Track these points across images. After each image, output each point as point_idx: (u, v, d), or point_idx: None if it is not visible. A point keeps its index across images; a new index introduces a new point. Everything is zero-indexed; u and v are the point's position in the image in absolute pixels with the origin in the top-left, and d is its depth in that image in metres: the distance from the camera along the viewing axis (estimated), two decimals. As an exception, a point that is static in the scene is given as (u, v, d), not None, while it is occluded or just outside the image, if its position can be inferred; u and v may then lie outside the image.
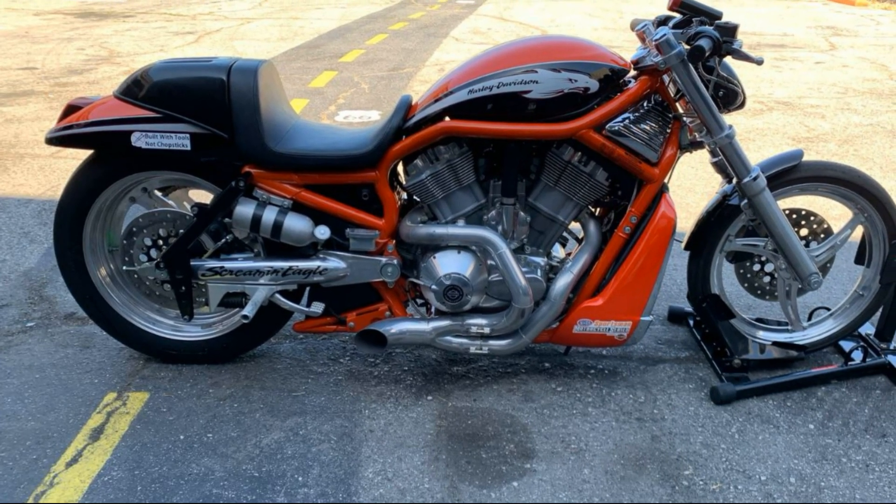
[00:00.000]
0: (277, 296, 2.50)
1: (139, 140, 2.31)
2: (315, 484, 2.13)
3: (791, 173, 2.52)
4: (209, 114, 2.30)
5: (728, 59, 2.39)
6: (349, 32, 9.77)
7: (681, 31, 2.32)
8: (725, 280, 2.76)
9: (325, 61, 7.85)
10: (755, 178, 2.39)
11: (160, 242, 2.51)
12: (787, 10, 12.30)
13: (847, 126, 5.72)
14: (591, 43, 2.34)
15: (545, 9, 12.23)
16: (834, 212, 3.85)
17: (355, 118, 5.75)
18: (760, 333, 2.75)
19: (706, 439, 2.33)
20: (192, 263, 2.44)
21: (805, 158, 2.54)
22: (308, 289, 2.56)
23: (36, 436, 2.30)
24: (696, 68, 2.28)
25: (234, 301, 2.50)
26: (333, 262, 2.44)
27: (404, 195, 2.57)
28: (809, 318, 2.80)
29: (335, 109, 5.99)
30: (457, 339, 2.50)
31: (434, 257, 2.42)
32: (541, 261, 2.46)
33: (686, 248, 2.66)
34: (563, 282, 2.42)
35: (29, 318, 2.97)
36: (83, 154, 2.47)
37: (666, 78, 2.34)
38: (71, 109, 2.41)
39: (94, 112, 2.35)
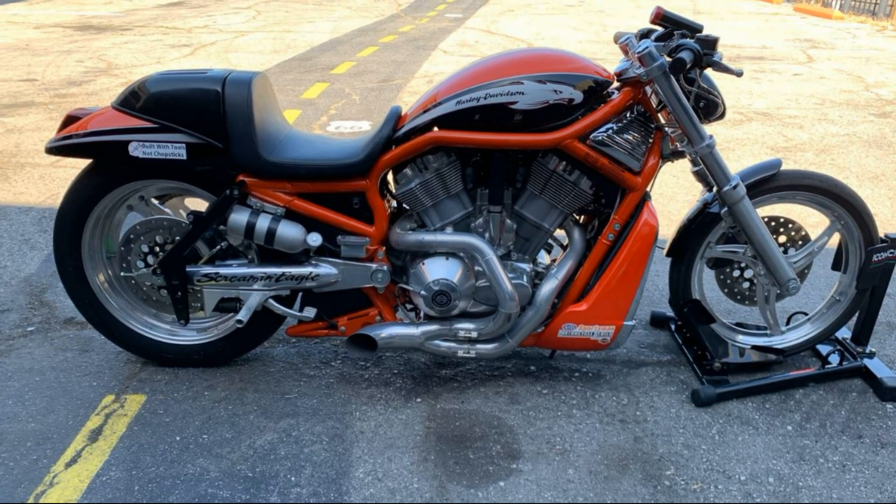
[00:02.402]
0: (271, 301, 2.53)
1: (136, 150, 2.34)
2: (307, 484, 2.16)
3: (770, 182, 2.55)
4: (204, 124, 2.32)
5: (708, 71, 2.41)
6: (340, 45, 9.78)
7: (663, 43, 2.34)
8: (706, 286, 2.78)
9: (317, 73, 7.86)
10: (735, 187, 2.42)
11: (157, 249, 2.54)
12: (765, 24, 12.36)
13: (824, 136, 5.77)
14: (575, 55, 2.36)
15: (531, 22, 12.24)
16: (811, 219, 3.90)
17: (346, 128, 5.76)
18: (740, 337, 2.80)
19: (687, 440, 2.37)
20: (187, 269, 2.47)
21: (783, 167, 2.57)
22: (300, 294, 2.59)
23: (36, 437, 2.33)
24: (677, 80, 2.32)
25: (228, 306, 2.52)
26: (325, 269, 2.48)
27: (394, 203, 2.60)
28: (788, 323, 2.83)
29: (327, 120, 6.00)
30: (445, 343, 2.54)
31: (423, 263, 2.46)
32: (527, 267, 2.49)
33: (668, 255, 2.69)
34: (549, 287, 2.47)
35: (29, 322, 3.00)
36: (82, 163, 2.51)
37: (648, 89, 2.36)
38: (70, 120, 2.43)
39: (92, 122, 2.38)
